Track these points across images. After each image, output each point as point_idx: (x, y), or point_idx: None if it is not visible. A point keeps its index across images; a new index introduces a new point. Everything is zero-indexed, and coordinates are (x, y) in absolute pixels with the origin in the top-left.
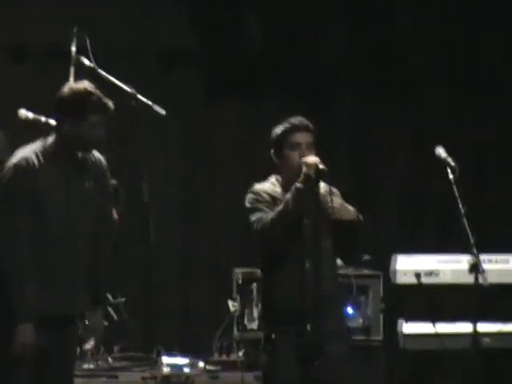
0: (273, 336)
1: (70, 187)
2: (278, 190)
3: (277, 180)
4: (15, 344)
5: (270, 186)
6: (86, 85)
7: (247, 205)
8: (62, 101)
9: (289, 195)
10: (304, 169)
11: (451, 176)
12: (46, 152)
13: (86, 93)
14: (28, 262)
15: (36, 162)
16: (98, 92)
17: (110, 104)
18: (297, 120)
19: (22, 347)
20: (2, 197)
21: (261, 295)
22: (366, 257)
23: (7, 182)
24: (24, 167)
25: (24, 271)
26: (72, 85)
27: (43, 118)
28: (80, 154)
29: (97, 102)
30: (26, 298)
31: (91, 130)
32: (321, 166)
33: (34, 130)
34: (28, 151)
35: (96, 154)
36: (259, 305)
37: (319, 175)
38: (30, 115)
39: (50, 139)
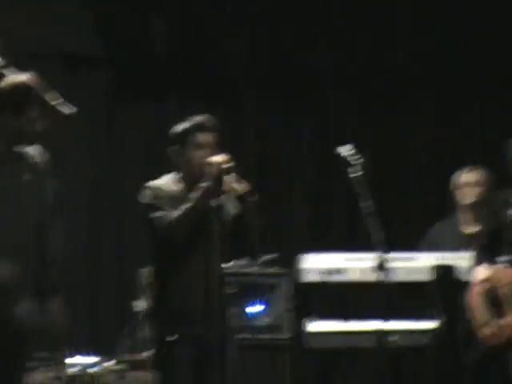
0: (171, 339)
1: (4, 181)
2: (174, 188)
3: (175, 177)
4: None
5: (165, 183)
6: (27, 77)
7: (145, 200)
8: (0, 93)
9: (195, 194)
10: (209, 169)
11: (353, 175)
12: None
13: (26, 85)
14: None
15: None
16: (39, 85)
17: (53, 98)
18: (201, 119)
19: None
20: None
21: (154, 295)
22: (269, 256)
23: None
24: None
25: None
26: (12, 78)
27: None
28: (17, 149)
29: (36, 96)
30: None
31: (29, 123)
32: (224, 166)
33: None
34: None
35: (35, 149)
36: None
37: (223, 175)
38: None
39: None
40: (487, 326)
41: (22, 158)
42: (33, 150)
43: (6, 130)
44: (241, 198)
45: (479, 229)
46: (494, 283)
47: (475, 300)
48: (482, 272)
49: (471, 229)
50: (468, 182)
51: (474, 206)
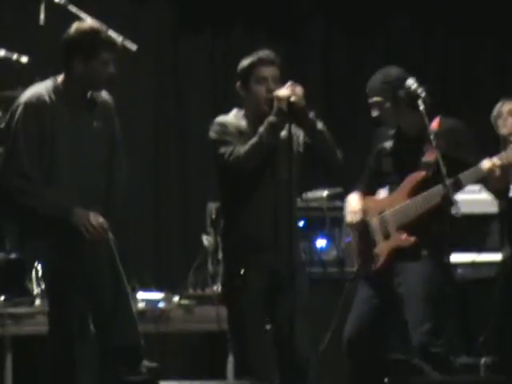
0: (241, 271)
1: (79, 126)
2: (242, 123)
3: (240, 113)
4: (80, 227)
5: (234, 118)
6: (93, 23)
7: (213, 136)
8: (71, 40)
9: (262, 129)
10: (276, 102)
11: (422, 107)
12: (56, 91)
13: (95, 31)
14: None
15: (47, 99)
16: (105, 29)
17: (118, 40)
18: (263, 53)
19: (87, 224)
20: (12, 135)
21: (223, 228)
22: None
23: (17, 120)
24: (35, 105)
25: (40, 189)
26: (79, 24)
27: (15, 56)
28: (89, 94)
29: (106, 39)
30: (55, 197)
31: (103, 67)
32: (292, 99)
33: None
34: (39, 89)
35: (104, 94)
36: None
37: (292, 109)
38: (1, 53)
39: (60, 78)
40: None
41: (94, 102)
42: (103, 94)
43: (79, 77)
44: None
45: None
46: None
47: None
48: (354, 200)
49: None
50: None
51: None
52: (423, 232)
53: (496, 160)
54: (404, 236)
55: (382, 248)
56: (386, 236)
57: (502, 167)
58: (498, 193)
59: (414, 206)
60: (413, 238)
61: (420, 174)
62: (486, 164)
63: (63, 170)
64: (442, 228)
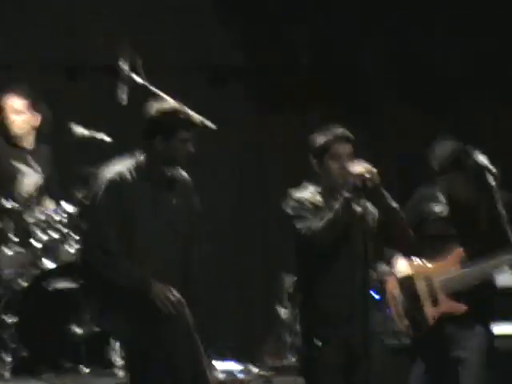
0: (319, 343)
1: (159, 204)
2: (318, 198)
3: (315, 188)
4: (158, 301)
5: (309, 194)
6: (172, 103)
7: (290, 212)
8: (152, 120)
9: (337, 205)
10: (350, 178)
11: (491, 181)
12: (137, 169)
13: (175, 110)
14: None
15: (129, 177)
16: (184, 109)
17: (197, 119)
18: (339, 131)
19: (165, 298)
20: (94, 210)
21: (300, 301)
22: None
23: (100, 196)
24: (118, 182)
25: (121, 262)
26: (160, 104)
27: (98, 135)
28: (169, 172)
29: (185, 118)
30: (135, 271)
31: (181, 145)
32: (367, 176)
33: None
34: (121, 167)
35: (183, 172)
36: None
37: (366, 185)
38: (86, 132)
39: (141, 157)
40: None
41: (174, 180)
42: (182, 175)
43: (160, 155)
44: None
45: None
46: (412, 276)
47: (394, 291)
48: (403, 265)
49: None
50: None
51: None
52: (474, 300)
53: None
54: (455, 303)
55: (430, 313)
56: (435, 301)
57: None
58: None
59: (469, 275)
60: (464, 306)
61: (474, 245)
62: None
63: (144, 245)
64: (492, 298)
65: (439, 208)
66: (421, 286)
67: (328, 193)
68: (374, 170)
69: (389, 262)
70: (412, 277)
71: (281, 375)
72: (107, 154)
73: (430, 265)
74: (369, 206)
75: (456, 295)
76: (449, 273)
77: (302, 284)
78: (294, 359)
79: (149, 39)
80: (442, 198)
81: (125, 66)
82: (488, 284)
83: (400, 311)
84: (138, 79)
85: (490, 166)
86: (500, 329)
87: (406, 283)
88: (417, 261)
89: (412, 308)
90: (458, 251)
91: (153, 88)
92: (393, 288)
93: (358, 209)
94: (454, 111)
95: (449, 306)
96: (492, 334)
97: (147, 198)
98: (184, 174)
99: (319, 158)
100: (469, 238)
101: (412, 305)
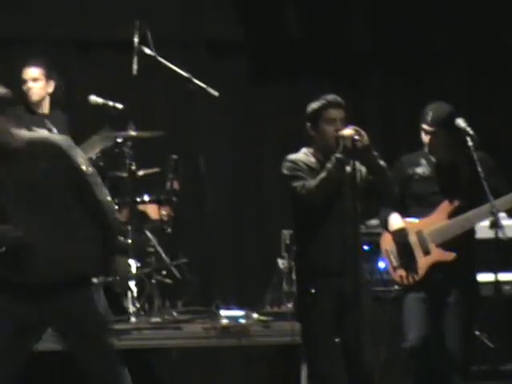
0: (312, 290)
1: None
2: (312, 159)
3: (309, 151)
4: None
5: (303, 156)
6: None
7: (286, 172)
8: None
9: (329, 164)
10: (341, 141)
11: (470, 143)
12: None
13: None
14: None
15: None
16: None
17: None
18: (331, 97)
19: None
20: None
21: (297, 253)
22: None
23: None
24: None
25: None
26: None
27: (111, 103)
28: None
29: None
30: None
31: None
32: (357, 138)
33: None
34: None
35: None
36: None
37: (356, 146)
38: (100, 100)
39: None
40: (399, 269)
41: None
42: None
43: None
44: (356, 149)
45: None
46: (404, 229)
47: (388, 244)
48: (396, 219)
49: None
50: None
51: None
52: (460, 249)
53: None
54: (445, 252)
55: (423, 262)
56: (426, 252)
57: None
58: None
59: (455, 225)
60: (453, 254)
61: (459, 202)
62: None
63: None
64: (474, 246)
65: (421, 169)
66: (412, 238)
67: (321, 154)
68: (363, 133)
69: (385, 220)
70: (404, 229)
71: (278, 320)
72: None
73: (420, 219)
74: (358, 165)
75: (445, 244)
76: (437, 225)
77: (297, 238)
78: (290, 306)
79: (153, 15)
80: (423, 161)
81: (136, 39)
82: (471, 233)
83: (394, 262)
84: (148, 51)
85: (469, 129)
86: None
87: (399, 235)
88: (407, 218)
89: (405, 258)
90: (444, 205)
91: (161, 59)
92: (387, 241)
93: (349, 168)
94: (436, 83)
95: (439, 254)
96: (476, 279)
97: None
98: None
99: (314, 122)
100: (451, 194)
101: (405, 255)
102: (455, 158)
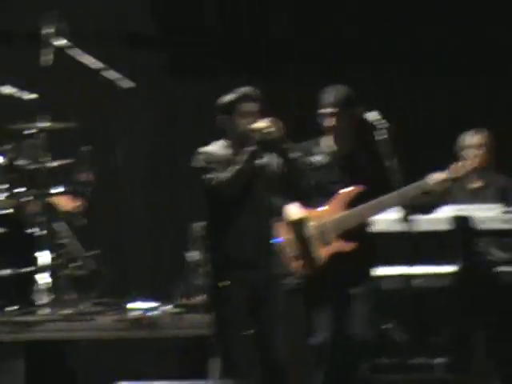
0: (225, 283)
1: None
2: (225, 152)
3: (224, 143)
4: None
5: (217, 148)
6: None
7: (199, 164)
8: None
9: (242, 157)
10: (255, 133)
11: (380, 137)
12: None
13: None
14: None
15: None
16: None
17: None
18: (246, 90)
19: None
20: None
21: (209, 246)
22: None
23: None
24: None
25: None
26: None
27: (24, 93)
28: None
29: None
30: None
31: None
32: (269, 130)
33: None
34: None
35: None
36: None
37: (269, 139)
38: (12, 90)
39: None
40: (297, 259)
41: None
42: None
43: None
44: (275, 145)
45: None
46: (302, 220)
47: (287, 235)
48: (293, 210)
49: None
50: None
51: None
52: (360, 240)
53: (442, 174)
54: (344, 242)
55: (322, 253)
56: (325, 242)
57: (447, 181)
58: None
59: (354, 216)
60: (353, 244)
61: (357, 188)
62: (433, 178)
63: None
64: (373, 237)
65: (316, 158)
66: (311, 229)
67: (235, 147)
68: (279, 125)
69: (281, 210)
70: (302, 220)
71: (190, 313)
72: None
73: (318, 209)
74: (274, 157)
75: (344, 235)
76: (336, 215)
77: (210, 231)
78: (201, 298)
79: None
80: (320, 149)
81: (51, 30)
82: (368, 225)
83: (292, 253)
84: (64, 43)
85: (381, 121)
86: (383, 270)
87: (297, 226)
88: (306, 207)
89: (304, 249)
90: (343, 195)
91: (76, 50)
92: (285, 232)
93: (262, 160)
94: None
95: (338, 245)
96: (376, 271)
97: None
98: None
99: (228, 115)
100: (351, 183)
101: (304, 246)
102: (356, 145)
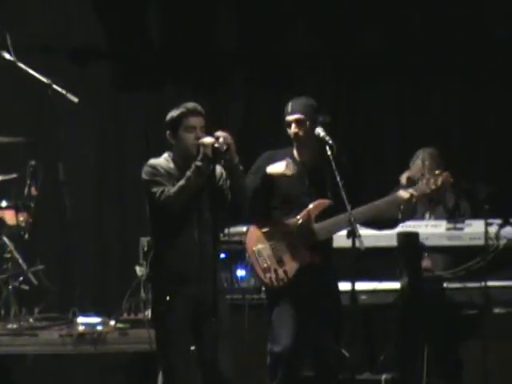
0: (167, 297)
1: None
2: (171, 165)
3: (169, 156)
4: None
5: (164, 161)
6: None
7: (145, 177)
8: None
9: (189, 172)
10: (202, 148)
11: (329, 152)
12: None
13: None
14: None
15: None
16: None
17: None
18: (191, 105)
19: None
20: None
21: (153, 261)
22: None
23: None
24: None
25: None
26: None
27: None
28: None
29: None
30: None
31: None
32: (216, 145)
33: None
34: None
35: None
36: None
37: (216, 154)
38: None
39: None
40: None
41: None
42: None
43: None
44: (219, 155)
45: None
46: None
47: (258, 246)
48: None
49: None
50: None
51: None
52: (325, 254)
53: (412, 191)
54: (311, 255)
55: (291, 265)
56: (294, 255)
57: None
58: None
59: (322, 229)
60: (319, 257)
61: (325, 202)
62: (403, 194)
63: None
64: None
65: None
66: (280, 241)
67: (182, 161)
68: (229, 139)
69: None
70: (271, 232)
71: (136, 328)
72: None
73: (287, 221)
74: (219, 170)
75: (312, 248)
76: (305, 227)
77: (154, 245)
78: (148, 313)
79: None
80: (288, 160)
81: None
82: (330, 241)
83: (263, 264)
84: (7, 56)
85: (327, 138)
86: (364, 285)
87: (267, 238)
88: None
89: (272, 264)
90: (313, 207)
91: (20, 64)
92: (255, 242)
93: (209, 175)
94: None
95: (305, 258)
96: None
97: None
98: None
99: (174, 130)
100: (318, 196)
101: (271, 261)
102: (319, 158)
